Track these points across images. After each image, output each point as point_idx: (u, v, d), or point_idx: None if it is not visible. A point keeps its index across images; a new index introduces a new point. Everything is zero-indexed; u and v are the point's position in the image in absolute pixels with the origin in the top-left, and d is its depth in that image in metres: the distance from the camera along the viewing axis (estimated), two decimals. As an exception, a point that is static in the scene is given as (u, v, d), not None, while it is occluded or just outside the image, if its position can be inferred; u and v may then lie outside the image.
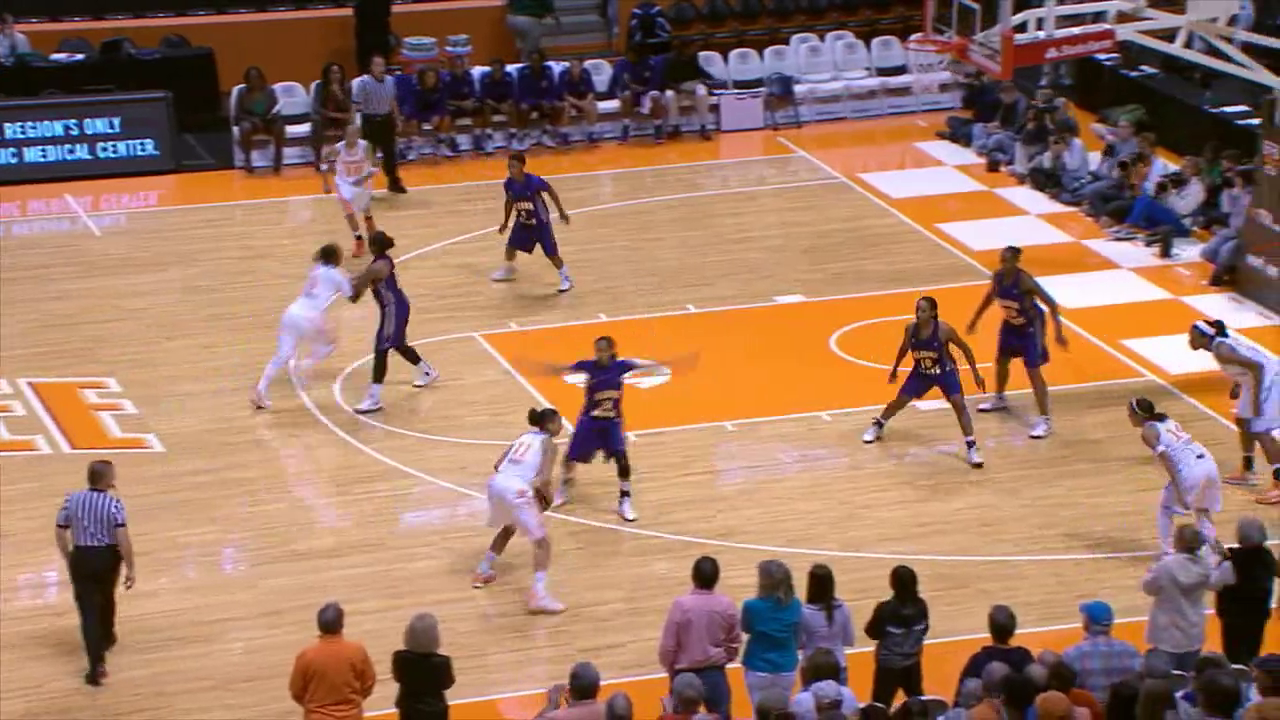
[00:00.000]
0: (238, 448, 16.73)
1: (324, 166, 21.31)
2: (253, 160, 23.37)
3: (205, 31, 24.78)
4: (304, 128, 23.82)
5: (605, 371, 15.47)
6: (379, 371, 17.32)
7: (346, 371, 18.11)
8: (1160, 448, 14.41)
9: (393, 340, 17.36)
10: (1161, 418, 14.61)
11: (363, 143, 20.81)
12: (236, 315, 19.40)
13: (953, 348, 16.20)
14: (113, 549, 13.23)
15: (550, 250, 19.62)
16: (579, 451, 15.54)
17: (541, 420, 14.73)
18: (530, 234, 19.59)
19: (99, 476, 13.35)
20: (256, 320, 19.12)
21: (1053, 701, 10.19)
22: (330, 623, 11.79)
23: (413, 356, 17.65)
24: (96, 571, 13.30)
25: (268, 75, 23.46)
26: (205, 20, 25.16)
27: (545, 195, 19.58)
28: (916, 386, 16.31)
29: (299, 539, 15.33)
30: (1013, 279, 16.91)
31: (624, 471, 15.49)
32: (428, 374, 17.77)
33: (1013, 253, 17.01)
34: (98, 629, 13.43)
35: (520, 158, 19.82)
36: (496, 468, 14.51)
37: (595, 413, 15.43)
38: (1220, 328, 14.99)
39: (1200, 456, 14.44)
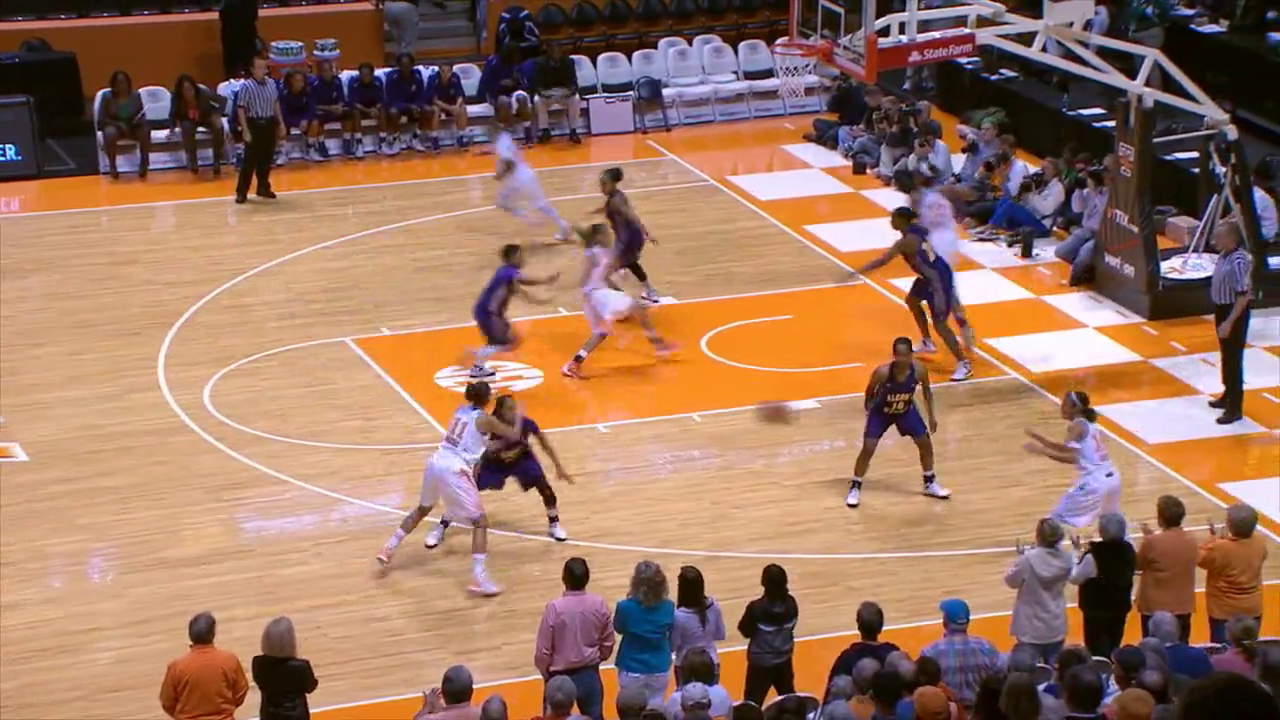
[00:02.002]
0: (105, 455, 16.55)
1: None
2: (118, 165, 23.09)
3: (67, 35, 24.43)
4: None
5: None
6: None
7: (217, 376, 17.97)
8: (1077, 444, 14.49)
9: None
10: (1092, 416, 14.72)
11: None
12: (101, 322, 19.17)
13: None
14: None
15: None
16: (486, 483, 14.99)
17: (475, 396, 14.75)
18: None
19: None
20: (121, 327, 18.91)
21: (929, 696, 10.35)
22: (201, 632, 11.71)
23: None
24: None
25: (133, 80, 23.19)
26: (67, 24, 24.82)
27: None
28: (880, 428, 15.75)
29: (168, 547, 15.19)
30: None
31: (550, 500, 15.19)
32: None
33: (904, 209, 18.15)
34: None
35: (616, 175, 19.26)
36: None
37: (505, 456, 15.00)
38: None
39: (1109, 475, 14.51)
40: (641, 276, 19.30)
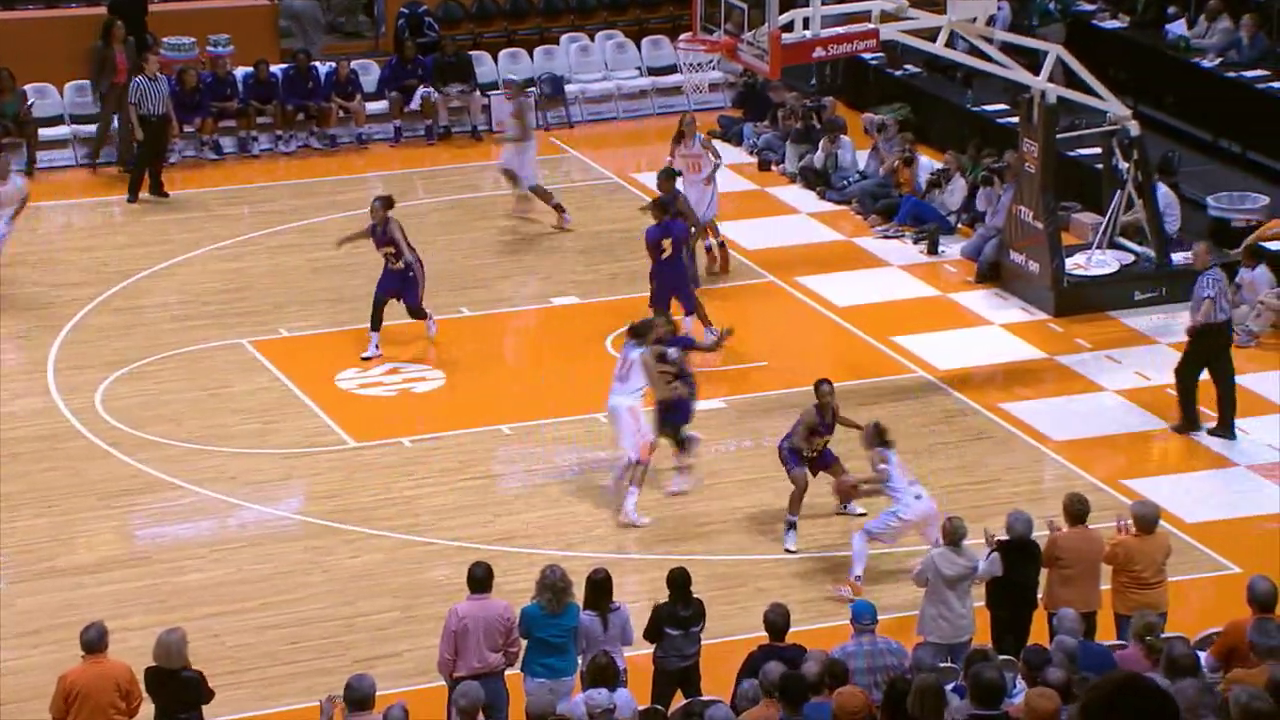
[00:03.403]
0: (-7, 462, 16.12)
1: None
2: (5, 164, 22.53)
3: (-49, 31, 23.84)
4: (59, 130, 23.07)
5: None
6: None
7: (109, 380, 17.57)
8: (883, 467, 14.35)
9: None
10: (890, 445, 14.51)
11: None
12: (-11, 324, 18.71)
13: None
14: None
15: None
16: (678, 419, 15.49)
17: (638, 333, 15.26)
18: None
19: None
20: (8, 330, 18.46)
21: (848, 696, 10.25)
22: (93, 642, 11.44)
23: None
24: None
25: (18, 76, 22.65)
26: (-50, 19, 24.22)
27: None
28: (800, 462, 15.27)
29: (59, 555, 14.82)
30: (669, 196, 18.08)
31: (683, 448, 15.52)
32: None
33: (669, 174, 18.42)
34: None
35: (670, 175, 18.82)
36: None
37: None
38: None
39: (918, 497, 14.39)
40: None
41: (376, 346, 17.98)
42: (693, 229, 18.74)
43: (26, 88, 22.86)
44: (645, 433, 15.40)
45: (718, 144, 24.18)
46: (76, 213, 21.53)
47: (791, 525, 15.13)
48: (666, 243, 17.84)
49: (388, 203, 18.09)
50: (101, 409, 17.07)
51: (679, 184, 19.22)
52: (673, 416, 15.68)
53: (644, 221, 21.33)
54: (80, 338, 18.54)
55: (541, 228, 21.53)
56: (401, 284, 17.98)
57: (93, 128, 23.22)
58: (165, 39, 23.90)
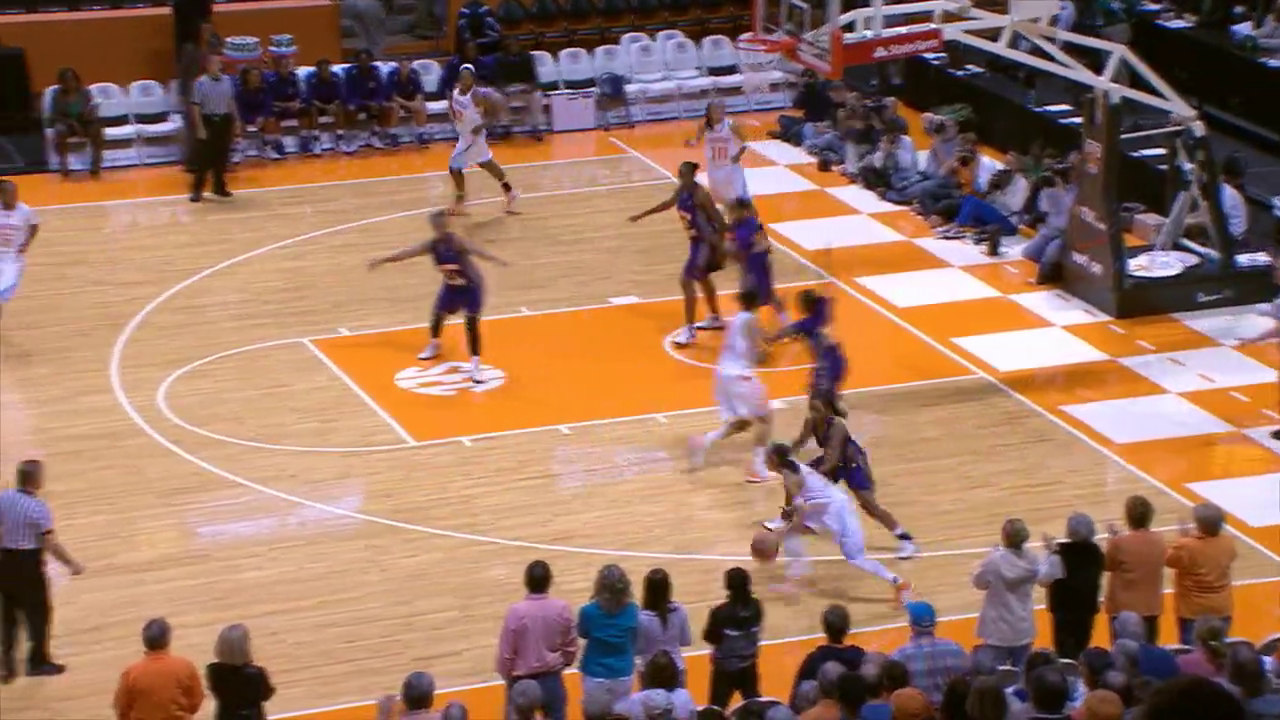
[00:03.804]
0: (55, 459, 16.17)
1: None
2: (69, 163, 22.73)
3: (15, 31, 24.03)
4: (124, 130, 23.24)
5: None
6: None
7: (171, 378, 17.67)
8: (796, 478, 14.13)
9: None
10: (794, 467, 14.21)
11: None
12: (53, 323, 18.82)
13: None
14: (36, 554, 12.83)
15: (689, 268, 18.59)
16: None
17: (747, 300, 16.16)
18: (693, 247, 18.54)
19: (27, 477, 12.95)
20: (71, 329, 18.58)
21: (906, 698, 10.19)
22: (155, 639, 11.53)
23: None
24: (16, 575, 12.90)
25: (83, 76, 22.83)
26: (15, 19, 24.40)
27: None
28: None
29: (120, 552, 14.90)
30: (688, 190, 18.19)
31: None
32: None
33: (689, 167, 18.47)
34: (11, 630, 13.05)
35: (693, 168, 18.81)
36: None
37: None
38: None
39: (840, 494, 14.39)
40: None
41: (435, 349, 17.93)
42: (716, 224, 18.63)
43: (91, 87, 23.02)
44: (763, 391, 15.91)
45: (777, 144, 24.19)
46: (140, 212, 21.67)
47: (904, 537, 14.99)
48: (758, 236, 18.29)
49: (443, 216, 18.05)
50: (164, 407, 17.16)
51: (708, 171, 19.80)
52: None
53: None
54: (143, 336, 18.66)
55: (597, 226, 21.55)
56: (455, 301, 17.59)
57: (157, 127, 23.37)
58: (229, 39, 24.05)
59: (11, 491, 13.00)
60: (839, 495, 14.37)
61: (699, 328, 18.51)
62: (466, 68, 22.22)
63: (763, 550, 14.13)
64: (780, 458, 14.33)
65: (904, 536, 14.96)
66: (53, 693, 13.16)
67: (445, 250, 17.59)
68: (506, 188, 21.60)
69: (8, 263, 16.88)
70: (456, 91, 21.61)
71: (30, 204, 21.90)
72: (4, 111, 23.02)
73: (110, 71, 23.36)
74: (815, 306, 16.37)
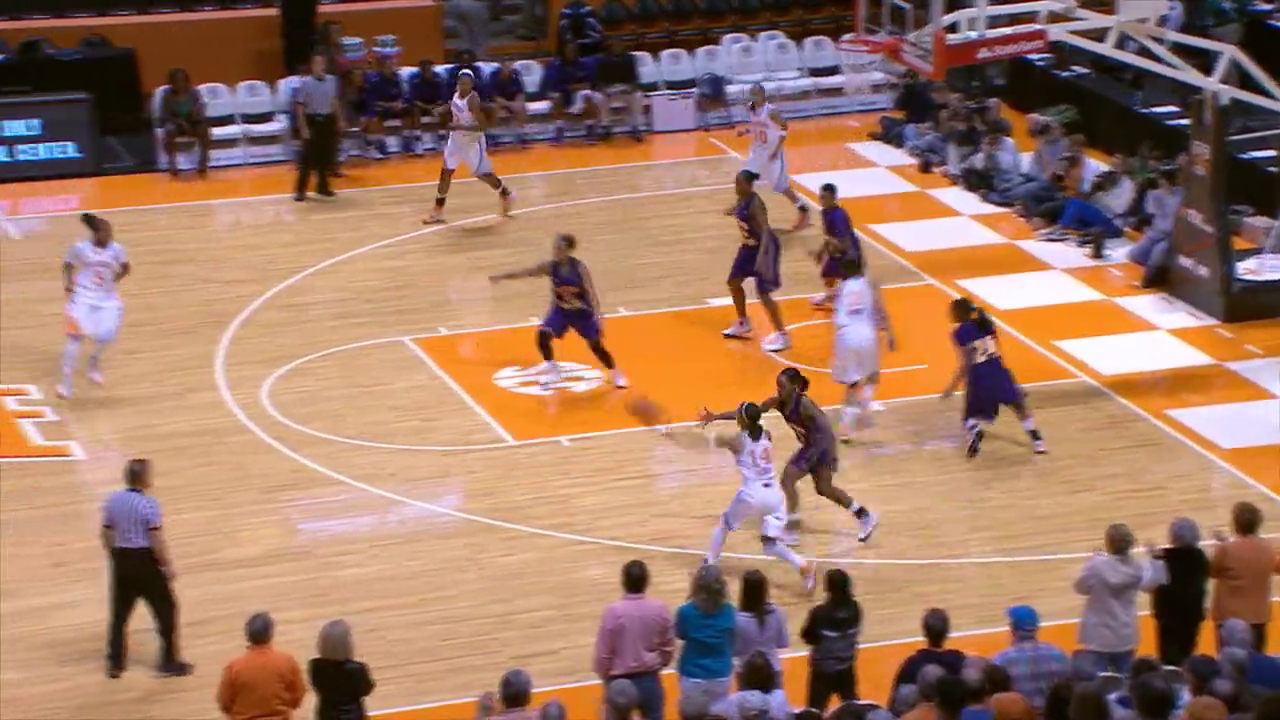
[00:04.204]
0: (160, 454, 16.35)
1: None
2: (177, 163, 23.02)
3: (127, 32, 24.37)
4: (230, 129, 23.50)
5: None
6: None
7: (274, 376, 17.84)
8: (741, 440, 14.35)
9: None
10: (757, 434, 14.33)
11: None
12: (158, 320, 19.06)
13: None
14: (149, 550, 13.03)
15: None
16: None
17: (850, 267, 16.94)
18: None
19: (135, 476, 13.15)
20: (177, 326, 18.80)
21: (1009, 702, 10.11)
22: (259, 633, 11.64)
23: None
24: (133, 573, 13.09)
25: (192, 76, 23.11)
26: (126, 20, 24.75)
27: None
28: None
29: (223, 548, 15.06)
30: (745, 199, 18.21)
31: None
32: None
33: (747, 176, 18.52)
34: (123, 629, 13.25)
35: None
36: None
37: None
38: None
39: (766, 486, 14.33)
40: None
41: (552, 368, 17.51)
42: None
43: (200, 87, 23.30)
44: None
45: (878, 145, 24.07)
46: (245, 211, 21.90)
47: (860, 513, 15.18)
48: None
49: (571, 242, 17.34)
50: (267, 404, 17.33)
51: (750, 154, 20.75)
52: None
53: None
54: (247, 334, 18.85)
55: (697, 227, 21.53)
56: (566, 323, 17.40)
57: (262, 127, 23.62)
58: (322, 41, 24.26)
59: (122, 491, 13.17)
60: (756, 494, 14.25)
61: (728, 335, 18.49)
62: (465, 73, 21.86)
63: (640, 412, 15.15)
64: (749, 418, 14.38)
65: (794, 524, 14.88)
66: (157, 686, 13.32)
67: (567, 273, 17.25)
68: (505, 193, 21.29)
69: (106, 303, 16.96)
70: (455, 96, 21.30)
71: (139, 203, 22.33)
72: (116, 111, 23.33)
73: (218, 71, 23.64)
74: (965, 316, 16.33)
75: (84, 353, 17.03)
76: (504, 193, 21.42)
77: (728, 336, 18.57)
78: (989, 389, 16.28)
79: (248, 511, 15.72)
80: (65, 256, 16.87)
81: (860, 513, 15.08)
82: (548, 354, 17.51)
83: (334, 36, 23.21)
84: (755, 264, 18.31)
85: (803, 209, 20.98)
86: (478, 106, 21.40)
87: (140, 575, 13.11)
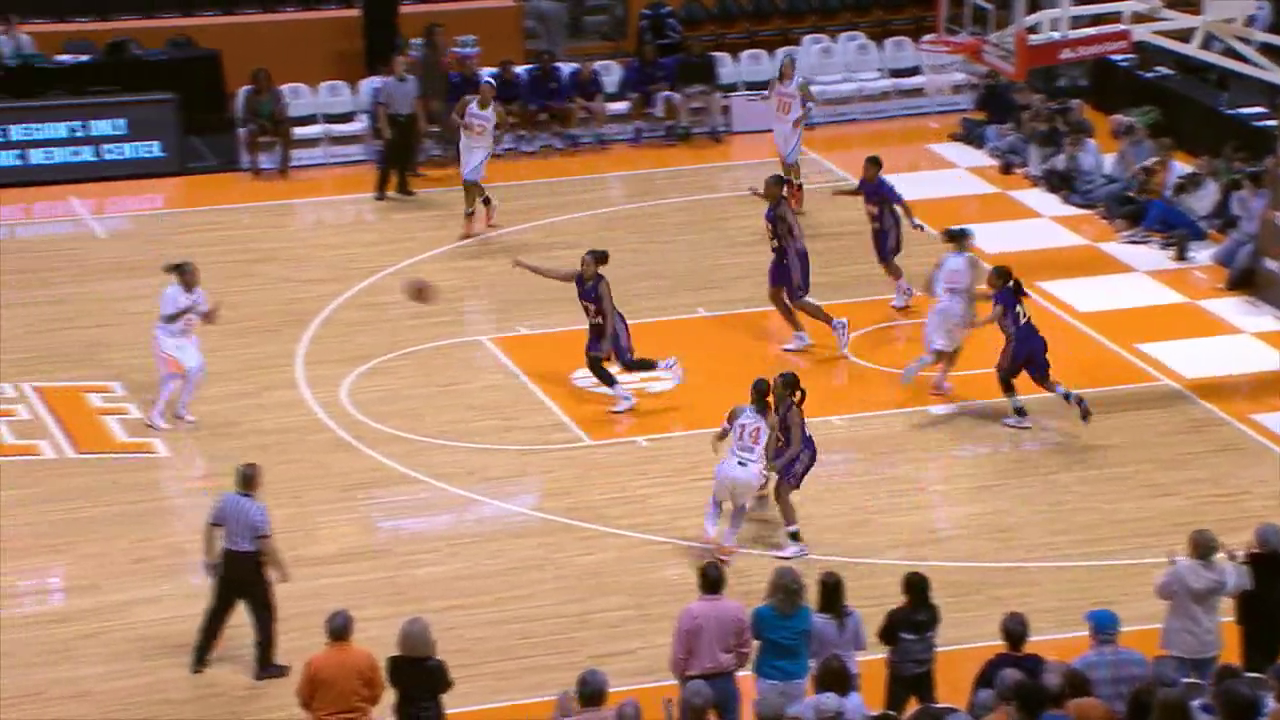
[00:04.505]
0: (241, 452, 16.51)
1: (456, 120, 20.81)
2: (259, 162, 23.22)
3: (211, 32, 24.62)
4: (312, 129, 23.68)
5: None
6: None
7: (354, 374, 17.95)
8: (726, 425, 14.68)
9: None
10: (764, 409, 14.66)
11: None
12: (240, 319, 19.22)
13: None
14: (255, 555, 13.16)
15: (884, 257, 19.14)
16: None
17: (957, 238, 17.33)
18: (874, 238, 19.18)
19: (248, 481, 13.28)
20: (259, 325, 18.96)
21: (1089, 707, 10.04)
22: (339, 630, 11.71)
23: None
24: (238, 576, 13.23)
25: (275, 76, 23.30)
26: (211, 21, 25.00)
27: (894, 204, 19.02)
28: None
29: (302, 544, 15.13)
30: (773, 203, 18.21)
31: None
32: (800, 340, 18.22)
33: (777, 180, 18.48)
34: (215, 628, 13.37)
35: (877, 162, 19.27)
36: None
37: None
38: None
39: (741, 464, 14.49)
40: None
41: (627, 397, 17.29)
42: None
43: (282, 88, 23.49)
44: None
45: (958, 146, 23.94)
46: (327, 210, 22.05)
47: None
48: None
49: (600, 258, 17.04)
50: (346, 402, 17.44)
51: (774, 123, 21.46)
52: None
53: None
54: (327, 333, 18.98)
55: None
56: (594, 336, 17.25)
57: (343, 127, 23.78)
58: (413, 40, 24.40)
59: (234, 494, 13.30)
60: (727, 468, 14.53)
61: (788, 350, 18.28)
62: (488, 81, 21.77)
63: (416, 293, 15.88)
64: (756, 395, 14.62)
65: (794, 536, 14.86)
66: (237, 681, 13.43)
67: (589, 289, 17.04)
68: (487, 201, 21.03)
69: (190, 341, 17.02)
70: (475, 104, 20.85)
71: (222, 203, 22.54)
72: (200, 111, 23.57)
73: (301, 72, 23.82)
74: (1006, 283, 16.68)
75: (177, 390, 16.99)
76: (486, 201, 21.04)
77: (787, 351, 18.22)
78: (1029, 350, 16.62)
79: (327, 509, 15.83)
80: (164, 308, 16.68)
81: (795, 536, 14.88)
82: (609, 381, 17.23)
83: (437, 37, 23.30)
84: (784, 270, 18.17)
85: (800, 187, 21.41)
86: (503, 116, 21.12)
87: (243, 579, 13.23)
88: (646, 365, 17.33)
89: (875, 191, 19.13)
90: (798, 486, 15.03)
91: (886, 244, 19.13)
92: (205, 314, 16.92)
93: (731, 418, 14.75)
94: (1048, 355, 16.69)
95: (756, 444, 14.59)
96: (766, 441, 14.63)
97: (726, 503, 14.76)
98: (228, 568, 13.25)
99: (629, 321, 17.36)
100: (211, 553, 13.30)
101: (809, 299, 18.32)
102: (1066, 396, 16.56)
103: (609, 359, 17.15)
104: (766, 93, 21.95)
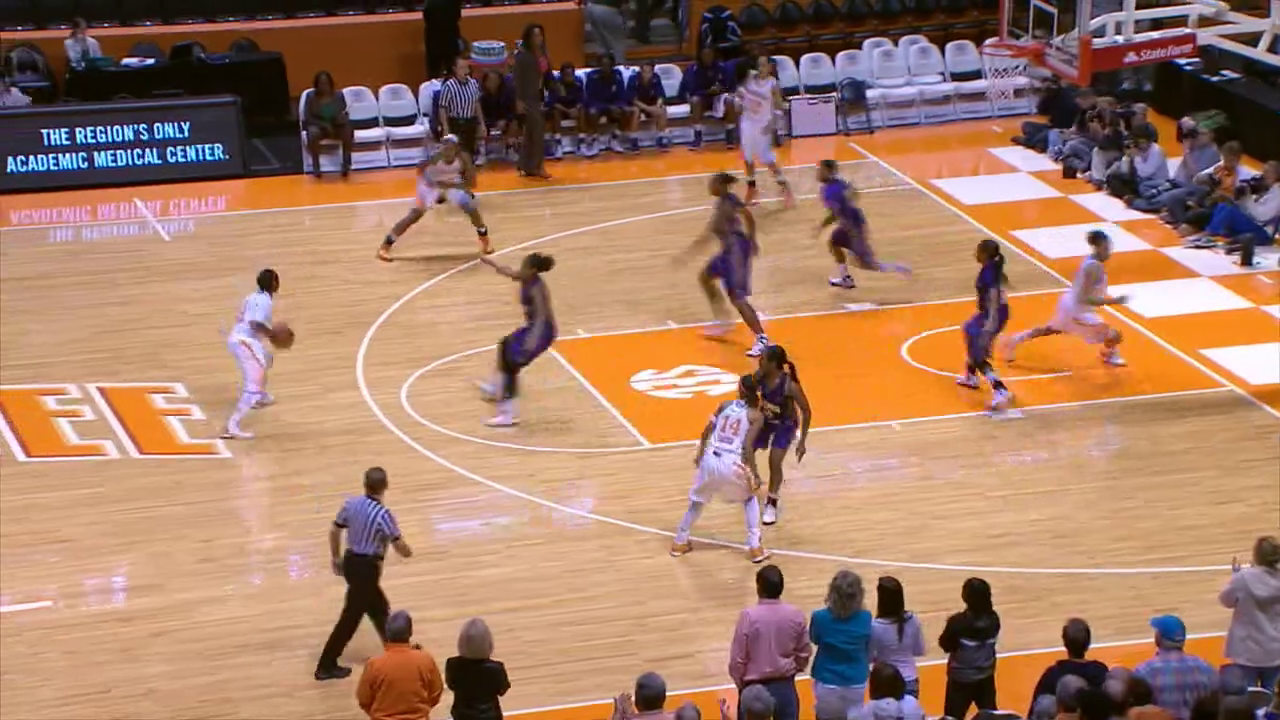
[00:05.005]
0: (303, 453, 16.66)
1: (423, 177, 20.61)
2: (321, 165, 23.35)
3: (274, 36, 24.77)
4: (373, 132, 23.79)
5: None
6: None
7: (414, 376, 18.02)
8: (711, 419, 14.84)
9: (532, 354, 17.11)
10: (754, 401, 14.81)
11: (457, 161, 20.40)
12: (302, 320, 19.29)
13: (796, 408, 15.42)
14: (373, 559, 13.29)
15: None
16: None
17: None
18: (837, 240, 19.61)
19: (374, 485, 13.42)
20: (321, 326, 19.06)
21: (1151, 716, 9.97)
22: (400, 631, 11.76)
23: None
24: (358, 577, 13.35)
25: (336, 80, 23.42)
26: (274, 25, 25.15)
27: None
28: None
29: (364, 545, 15.21)
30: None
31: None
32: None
33: (722, 178, 18.52)
34: (345, 629, 13.47)
35: (829, 164, 19.73)
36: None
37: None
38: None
39: (716, 454, 14.63)
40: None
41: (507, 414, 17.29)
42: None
43: (344, 91, 23.61)
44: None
45: (1021, 150, 23.82)
46: (388, 213, 22.12)
47: (772, 501, 15.36)
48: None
49: (540, 264, 16.88)
50: (406, 404, 17.51)
51: (742, 120, 21.82)
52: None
53: (943, 227, 21.11)
54: (387, 335, 19.06)
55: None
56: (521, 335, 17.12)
57: (405, 130, 23.86)
58: (475, 43, 24.48)
59: (361, 497, 13.40)
60: (705, 460, 14.67)
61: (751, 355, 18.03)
62: (449, 138, 20.90)
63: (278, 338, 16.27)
64: (745, 389, 14.80)
65: (773, 503, 15.31)
66: (299, 681, 13.50)
67: (523, 292, 16.98)
68: (388, 241, 20.62)
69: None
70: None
71: (284, 204, 22.66)
72: (262, 114, 23.71)
73: (362, 75, 23.93)
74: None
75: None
76: (388, 241, 20.62)
77: (751, 356, 17.69)
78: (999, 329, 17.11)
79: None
80: (258, 315, 16.67)
81: (774, 502, 15.31)
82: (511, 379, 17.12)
83: (535, 38, 23.30)
84: (727, 264, 18.28)
85: (783, 183, 21.86)
86: (469, 169, 20.81)
87: (357, 580, 13.33)
88: (512, 373, 17.08)
89: (828, 195, 19.41)
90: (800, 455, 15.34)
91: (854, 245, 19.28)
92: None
93: (719, 411, 14.88)
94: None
95: (736, 435, 14.73)
96: (748, 433, 14.77)
97: (714, 497, 14.86)
98: (349, 569, 13.37)
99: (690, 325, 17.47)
100: (338, 553, 13.43)
101: (748, 303, 18.38)
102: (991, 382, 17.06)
103: (518, 351, 17.01)
104: (741, 88, 22.31)
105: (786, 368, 15.35)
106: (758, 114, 21.72)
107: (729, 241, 18.28)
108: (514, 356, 17.01)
